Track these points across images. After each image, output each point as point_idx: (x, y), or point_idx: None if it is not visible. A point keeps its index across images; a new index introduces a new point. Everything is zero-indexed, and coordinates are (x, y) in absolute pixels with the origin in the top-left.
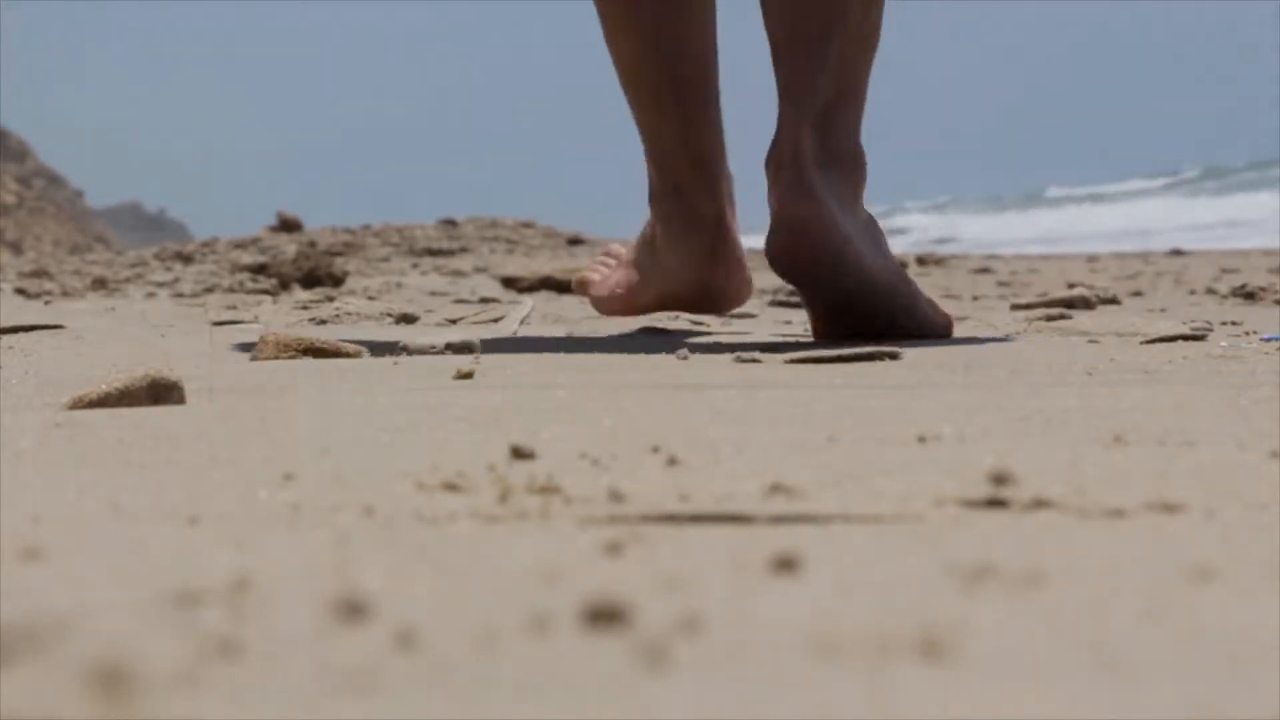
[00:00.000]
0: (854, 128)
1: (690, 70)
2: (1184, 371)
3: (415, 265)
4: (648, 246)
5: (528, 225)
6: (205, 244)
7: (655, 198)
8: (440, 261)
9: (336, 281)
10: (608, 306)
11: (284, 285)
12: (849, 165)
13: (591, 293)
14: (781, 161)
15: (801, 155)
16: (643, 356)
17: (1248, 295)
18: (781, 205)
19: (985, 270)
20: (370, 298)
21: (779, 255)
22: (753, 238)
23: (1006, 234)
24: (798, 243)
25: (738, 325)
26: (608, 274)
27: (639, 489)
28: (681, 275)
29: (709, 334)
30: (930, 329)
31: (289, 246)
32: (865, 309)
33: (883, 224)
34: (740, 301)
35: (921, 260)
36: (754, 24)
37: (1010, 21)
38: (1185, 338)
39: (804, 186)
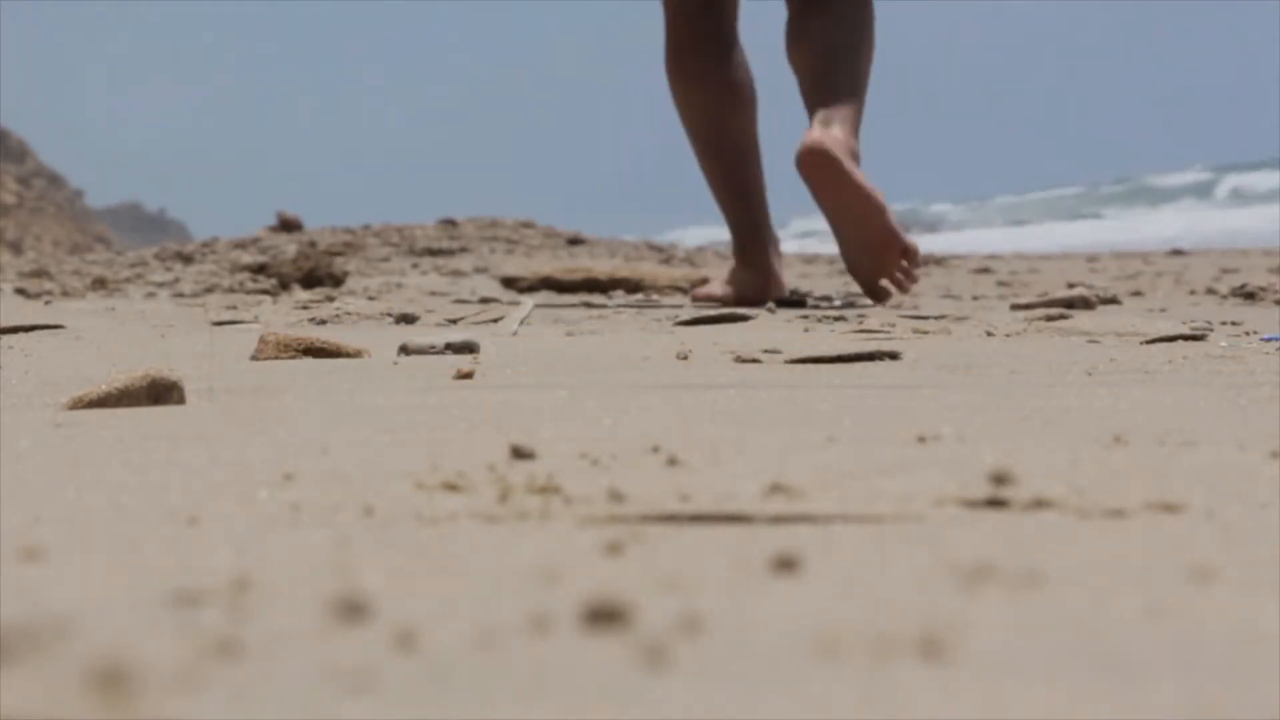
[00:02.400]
0: (858, 123)
1: (752, 182)
2: (1184, 371)
3: (415, 265)
4: (733, 273)
5: (528, 225)
6: (205, 244)
7: (735, 250)
8: (440, 261)
9: (336, 281)
10: (706, 300)
11: (284, 285)
12: (854, 143)
13: (701, 292)
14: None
15: (833, 141)
16: (643, 356)
17: (1248, 295)
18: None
19: (985, 270)
20: (370, 298)
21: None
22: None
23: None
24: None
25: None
26: (712, 286)
27: (639, 489)
28: (747, 292)
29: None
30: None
31: (289, 246)
32: (871, 224)
33: None
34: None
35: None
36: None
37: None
38: (1185, 338)
39: (840, 164)
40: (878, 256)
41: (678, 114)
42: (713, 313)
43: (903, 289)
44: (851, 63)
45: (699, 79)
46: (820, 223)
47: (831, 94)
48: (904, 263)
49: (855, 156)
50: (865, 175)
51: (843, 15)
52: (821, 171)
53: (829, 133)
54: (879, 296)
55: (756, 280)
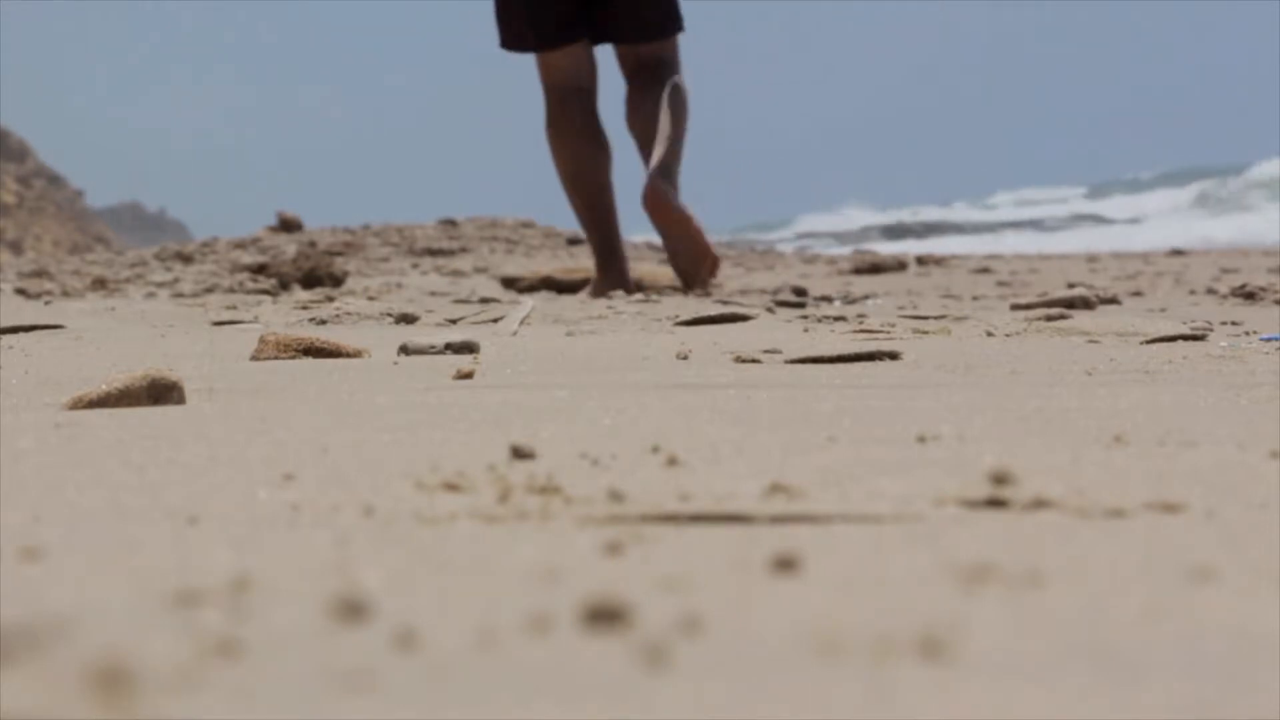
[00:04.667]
0: (678, 170)
1: (611, 210)
2: (1184, 371)
3: (415, 265)
4: (599, 277)
5: (528, 225)
6: (205, 244)
7: (599, 260)
8: (440, 261)
9: (336, 281)
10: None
11: (284, 285)
12: (676, 186)
13: (594, 291)
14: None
15: (665, 188)
16: (643, 356)
17: (1248, 295)
18: (662, 214)
19: (985, 270)
20: (370, 298)
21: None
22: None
23: None
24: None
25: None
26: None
27: (639, 489)
28: (604, 288)
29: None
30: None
31: (289, 246)
32: (692, 242)
33: None
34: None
35: (921, 260)
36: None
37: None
38: (1185, 338)
39: (671, 203)
40: (694, 261)
41: (556, 163)
42: (713, 313)
43: (706, 285)
44: (672, 126)
45: (573, 137)
46: (820, 224)
47: (659, 148)
48: (711, 265)
49: (677, 192)
50: (687, 205)
51: (664, 95)
52: (656, 206)
53: (658, 179)
54: (691, 288)
55: (615, 277)
